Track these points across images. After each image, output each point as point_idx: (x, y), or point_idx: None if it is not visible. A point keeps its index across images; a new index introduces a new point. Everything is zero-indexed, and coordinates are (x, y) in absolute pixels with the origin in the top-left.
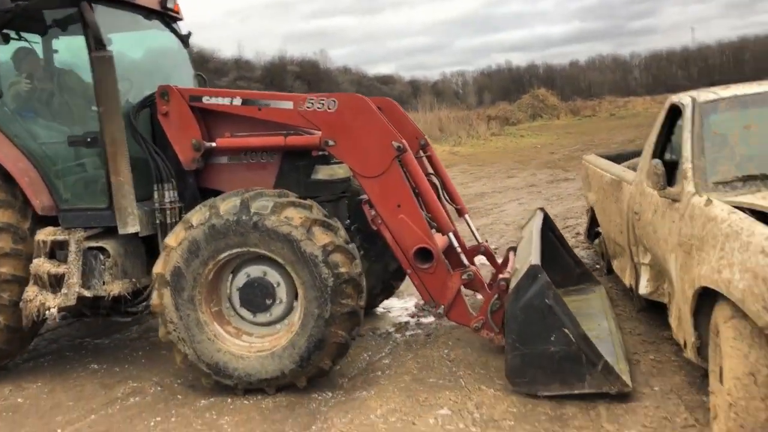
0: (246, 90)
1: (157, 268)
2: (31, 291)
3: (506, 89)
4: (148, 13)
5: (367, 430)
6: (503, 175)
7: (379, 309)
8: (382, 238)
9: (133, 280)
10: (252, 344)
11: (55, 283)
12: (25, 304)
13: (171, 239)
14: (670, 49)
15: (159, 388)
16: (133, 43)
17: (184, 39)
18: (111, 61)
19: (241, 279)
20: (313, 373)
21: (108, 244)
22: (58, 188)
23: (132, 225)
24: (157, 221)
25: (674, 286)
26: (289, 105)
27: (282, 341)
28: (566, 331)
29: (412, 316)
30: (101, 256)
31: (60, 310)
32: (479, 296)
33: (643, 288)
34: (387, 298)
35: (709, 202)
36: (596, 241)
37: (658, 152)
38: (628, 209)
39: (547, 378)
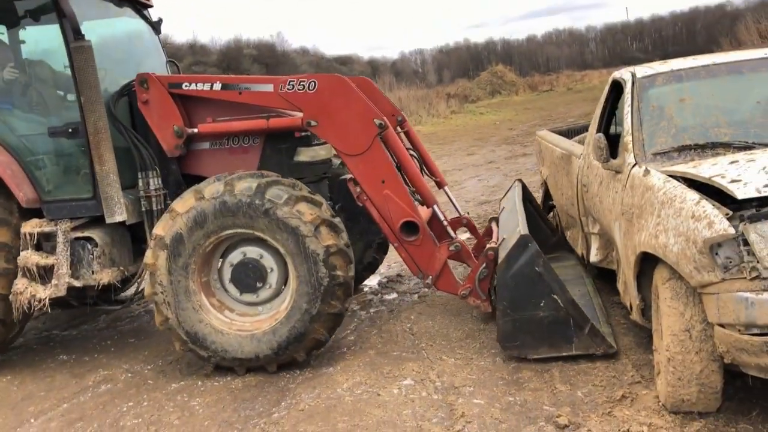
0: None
1: (158, 229)
2: (20, 284)
3: (465, 67)
4: (118, 0)
5: (334, 402)
6: (463, 152)
7: None
8: (366, 216)
9: (121, 268)
10: (233, 321)
11: (44, 274)
12: (15, 297)
13: (179, 205)
14: (625, 22)
15: (129, 375)
16: (104, 30)
17: (156, 26)
18: (90, 51)
19: (236, 256)
20: (285, 361)
21: (95, 234)
22: (40, 180)
23: (119, 214)
24: (143, 209)
25: (619, 253)
26: (269, 88)
27: (264, 326)
28: (555, 296)
29: (376, 294)
30: (89, 246)
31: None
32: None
33: (594, 256)
34: (372, 273)
35: (647, 172)
36: (551, 213)
37: (603, 126)
38: (578, 182)
39: (536, 342)
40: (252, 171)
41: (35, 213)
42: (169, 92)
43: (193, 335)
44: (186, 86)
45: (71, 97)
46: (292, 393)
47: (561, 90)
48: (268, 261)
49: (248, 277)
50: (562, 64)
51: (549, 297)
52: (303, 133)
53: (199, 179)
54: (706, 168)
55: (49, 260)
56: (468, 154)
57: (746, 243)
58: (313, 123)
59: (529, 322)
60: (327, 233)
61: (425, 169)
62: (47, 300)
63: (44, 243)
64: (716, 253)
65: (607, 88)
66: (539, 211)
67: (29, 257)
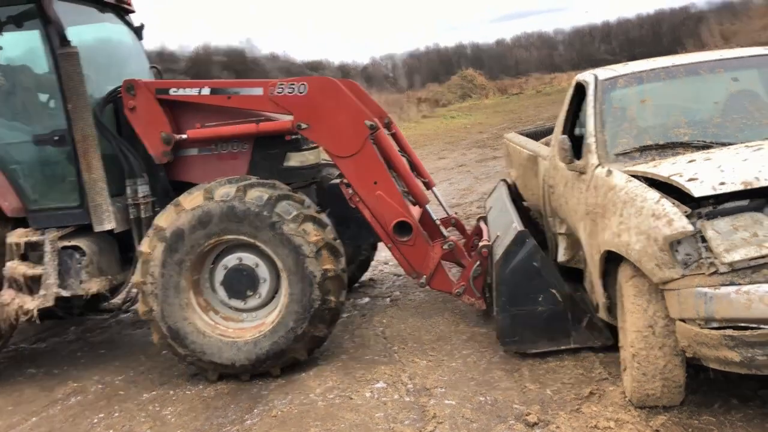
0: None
1: (160, 220)
2: (7, 294)
3: (435, 71)
4: (101, 6)
5: (306, 408)
6: (435, 156)
7: None
8: (356, 220)
9: (110, 277)
10: (216, 324)
11: (32, 285)
12: (2, 308)
13: (187, 201)
14: (592, 24)
15: (100, 386)
16: (87, 36)
17: (138, 31)
18: (77, 57)
19: (231, 260)
20: (259, 372)
21: (83, 243)
22: (25, 189)
23: (108, 222)
24: (131, 216)
25: (585, 253)
26: (259, 91)
27: (246, 335)
28: (553, 291)
29: (348, 299)
30: (77, 255)
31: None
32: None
33: (561, 256)
34: (365, 271)
35: (609, 172)
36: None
37: (567, 128)
38: (544, 183)
39: (535, 336)
40: (266, 180)
41: (21, 222)
42: (156, 98)
43: (175, 331)
44: (174, 92)
45: (54, 104)
46: (264, 400)
47: (530, 93)
48: (263, 271)
49: (240, 283)
50: (532, 67)
51: (547, 291)
52: (293, 137)
53: (188, 186)
54: (666, 167)
55: (37, 270)
56: (439, 157)
57: (704, 239)
58: (304, 126)
59: (528, 316)
60: (327, 257)
61: (414, 169)
62: (35, 311)
63: (31, 253)
64: (676, 250)
65: (570, 90)
66: (524, 210)
67: (16, 267)
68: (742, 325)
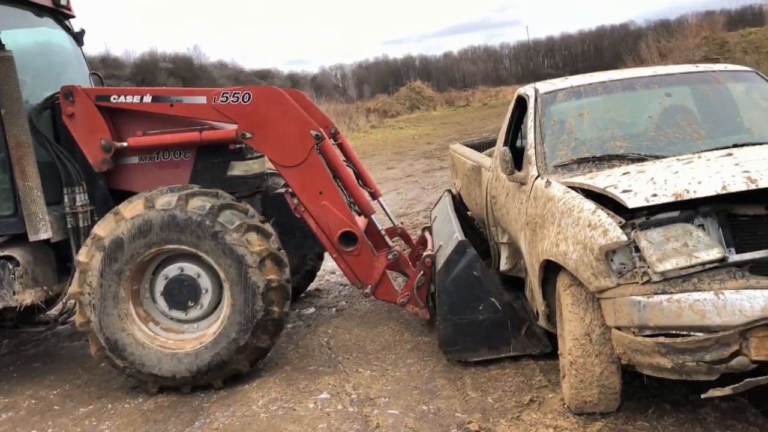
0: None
1: (99, 229)
2: None
3: (384, 82)
4: (39, 9)
5: (248, 420)
6: (383, 166)
7: None
8: (301, 230)
9: (45, 288)
10: (156, 336)
11: None
12: None
13: (127, 210)
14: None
15: (33, 401)
16: (23, 40)
17: (78, 37)
18: (11, 62)
19: (173, 270)
20: (200, 385)
21: (16, 252)
22: None
23: (44, 231)
24: (69, 226)
25: (526, 262)
26: (202, 100)
27: (187, 346)
28: (493, 300)
29: (293, 309)
30: (10, 265)
31: None
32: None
33: (503, 265)
34: (311, 281)
35: (548, 183)
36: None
37: (509, 140)
38: (487, 193)
39: (476, 344)
40: (209, 189)
41: None
42: (96, 105)
43: (113, 343)
44: (115, 99)
45: None
46: (206, 412)
47: (477, 105)
48: (205, 281)
49: (181, 294)
50: (478, 80)
51: (487, 300)
52: (237, 146)
53: (128, 195)
54: (602, 179)
55: None
56: (387, 167)
57: (638, 249)
58: (248, 135)
59: (469, 325)
60: (271, 267)
61: (360, 180)
62: None
63: None
64: (611, 260)
65: (512, 103)
66: (468, 219)
67: None
68: (674, 332)
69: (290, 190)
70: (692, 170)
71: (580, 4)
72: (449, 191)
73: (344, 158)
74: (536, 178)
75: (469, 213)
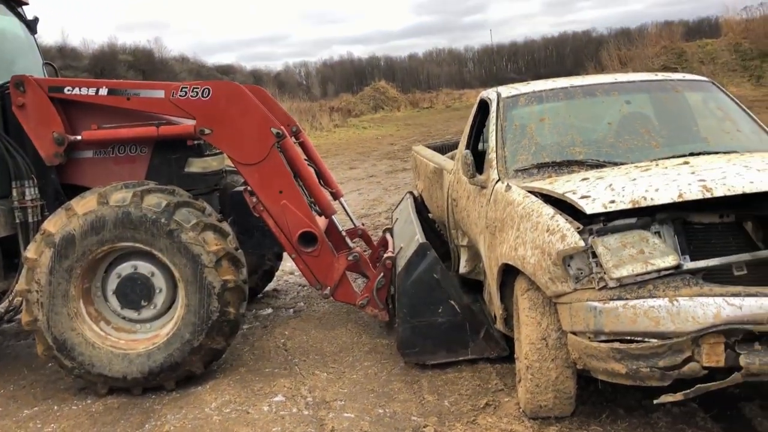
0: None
1: (49, 225)
2: None
3: (349, 81)
4: None
5: (201, 423)
6: (345, 166)
7: None
8: (259, 229)
9: None
10: (107, 336)
11: None
12: None
13: (79, 205)
14: (500, 44)
15: None
16: None
17: (31, 25)
18: None
19: (126, 269)
20: (152, 386)
21: None
22: None
23: None
24: (17, 221)
25: (485, 265)
26: (160, 94)
27: (139, 347)
28: (452, 303)
29: (250, 309)
30: None
31: None
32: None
33: (462, 268)
34: (269, 282)
35: (509, 187)
36: None
37: (471, 143)
38: (448, 196)
39: (434, 347)
40: (165, 186)
41: None
42: (48, 96)
43: (61, 342)
44: (69, 91)
45: None
46: (157, 414)
47: (440, 107)
48: (159, 281)
49: (134, 293)
50: (442, 83)
51: (446, 303)
52: (195, 142)
53: (81, 190)
54: (561, 184)
55: None
56: (350, 167)
57: (595, 255)
58: (206, 131)
59: (428, 327)
60: (227, 267)
61: (321, 179)
62: None
63: None
64: (568, 265)
65: (475, 106)
66: (429, 221)
67: None
68: (629, 338)
69: (249, 188)
70: (650, 178)
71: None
72: (411, 193)
73: (306, 157)
74: (497, 182)
75: (430, 215)
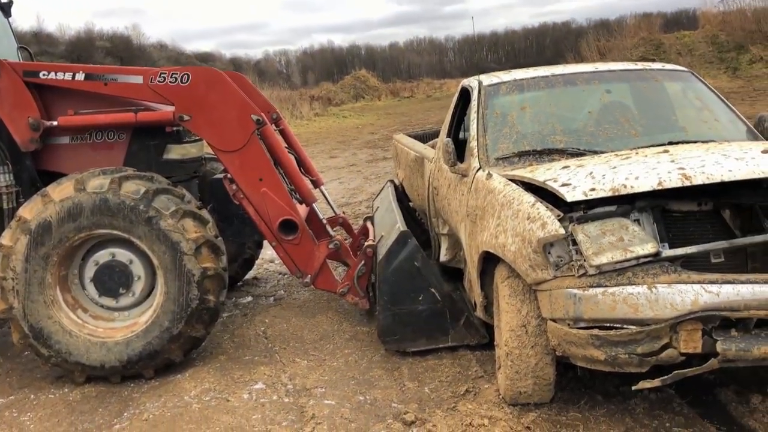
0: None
1: (24, 211)
2: None
3: (329, 70)
4: None
5: (180, 411)
6: (326, 155)
7: None
8: (239, 217)
9: None
10: (85, 324)
11: None
12: None
13: (56, 192)
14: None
15: None
16: None
17: (5, 8)
18: None
19: (104, 256)
20: (131, 374)
21: None
22: None
23: None
24: None
25: (465, 253)
26: (138, 79)
27: (117, 335)
28: (433, 290)
29: (230, 298)
30: None
31: None
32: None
33: (443, 256)
34: (249, 270)
35: (489, 176)
36: None
37: (452, 132)
38: (429, 184)
39: (415, 335)
40: (144, 172)
41: None
42: (23, 81)
43: (38, 330)
44: (44, 75)
45: None
46: (135, 403)
47: (421, 97)
48: (137, 268)
49: (112, 281)
50: (423, 72)
51: (427, 291)
52: (174, 129)
53: (58, 176)
54: (542, 172)
55: None
56: (330, 156)
57: (575, 242)
58: (185, 117)
59: (409, 315)
60: (207, 254)
61: (302, 167)
62: None
63: None
64: (549, 252)
65: (456, 95)
66: (409, 210)
67: None
68: (608, 325)
69: (229, 175)
70: (630, 166)
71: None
72: (392, 181)
73: (286, 145)
74: (478, 170)
75: (411, 204)
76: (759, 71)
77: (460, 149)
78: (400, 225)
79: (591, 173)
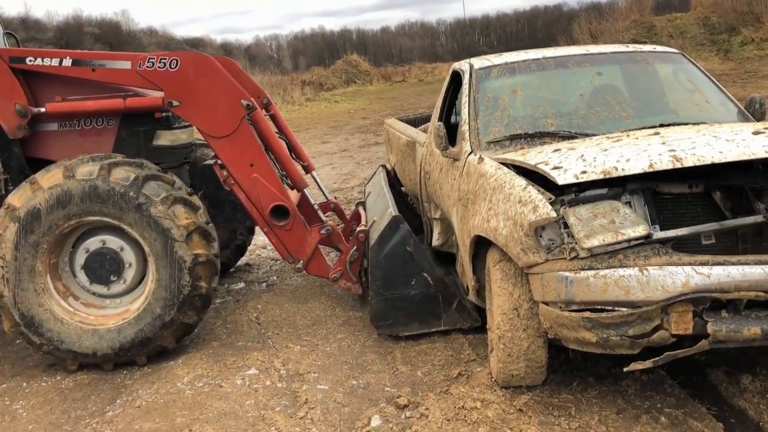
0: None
1: (13, 199)
2: None
3: (321, 54)
4: None
5: (173, 397)
6: (318, 140)
7: None
8: (230, 203)
9: None
10: (76, 311)
11: None
12: None
13: (44, 179)
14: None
15: None
16: None
17: None
18: None
19: (94, 243)
20: (123, 362)
21: None
22: None
23: None
24: None
25: (457, 237)
26: (126, 65)
27: (109, 322)
28: (425, 274)
29: (222, 284)
30: None
31: None
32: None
33: (435, 240)
34: (241, 256)
35: (481, 159)
36: None
37: (444, 115)
38: (421, 169)
39: (407, 319)
40: (133, 159)
41: None
42: (10, 67)
43: (29, 318)
44: (31, 61)
45: None
46: (128, 389)
47: (413, 81)
48: (128, 255)
49: (103, 268)
50: (415, 56)
51: (419, 275)
52: (163, 115)
53: (46, 164)
54: (533, 156)
55: None
56: (322, 141)
57: (566, 225)
58: (175, 103)
59: (401, 300)
60: (198, 241)
61: (293, 152)
62: None
63: None
64: (540, 236)
65: (448, 78)
66: (401, 195)
67: None
68: (599, 307)
69: (219, 161)
70: (621, 148)
71: None
72: (384, 166)
73: (277, 130)
74: (469, 154)
75: (403, 188)
76: (750, 53)
77: (451, 133)
78: (392, 210)
79: (582, 156)
